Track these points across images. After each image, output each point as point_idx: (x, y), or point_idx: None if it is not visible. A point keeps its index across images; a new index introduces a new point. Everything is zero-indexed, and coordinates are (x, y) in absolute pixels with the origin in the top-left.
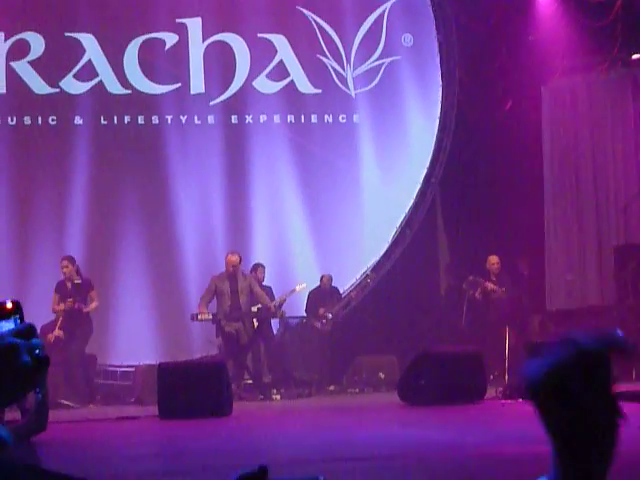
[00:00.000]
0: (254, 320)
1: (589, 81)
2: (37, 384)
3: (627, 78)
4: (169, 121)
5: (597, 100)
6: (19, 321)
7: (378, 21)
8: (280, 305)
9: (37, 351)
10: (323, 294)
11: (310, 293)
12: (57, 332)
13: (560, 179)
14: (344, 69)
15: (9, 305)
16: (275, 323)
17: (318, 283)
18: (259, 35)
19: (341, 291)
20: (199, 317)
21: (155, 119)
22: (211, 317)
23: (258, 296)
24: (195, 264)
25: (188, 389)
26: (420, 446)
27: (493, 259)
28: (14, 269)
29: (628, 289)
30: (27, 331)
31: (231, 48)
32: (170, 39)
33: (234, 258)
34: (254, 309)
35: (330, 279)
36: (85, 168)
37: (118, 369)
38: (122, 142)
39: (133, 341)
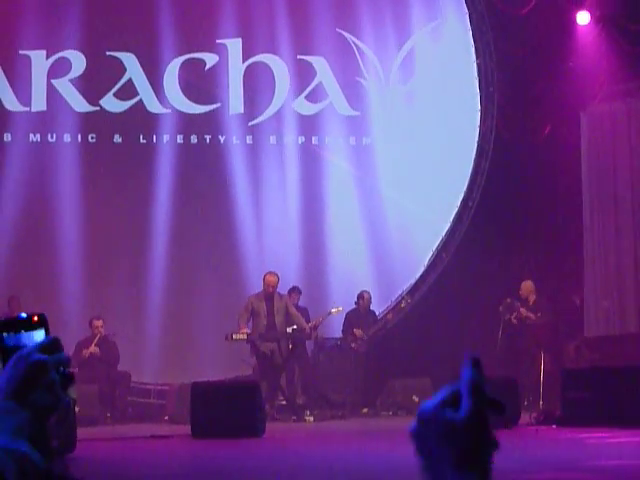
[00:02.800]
0: (289, 341)
1: (629, 107)
2: (64, 401)
3: None
4: (207, 141)
5: (636, 126)
6: (45, 334)
7: (418, 44)
8: (315, 327)
9: (63, 368)
10: (359, 315)
11: (347, 314)
12: (93, 349)
13: (598, 205)
14: (383, 91)
15: (35, 318)
16: (310, 344)
17: (354, 305)
18: (299, 57)
19: (377, 313)
20: (234, 337)
21: (194, 138)
22: (246, 337)
23: (294, 317)
24: (230, 283)
25: (221, 409)
26: None
27: (528, 284)
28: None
29: None
30: (53, 345)
31: (271, 69)
32: (210, 59)
33: (272, 278)
34: (289, 330)
35: (370, 298)
36: (123, 186)
37: (152, 387)
38: (161, 160)
39: (168, 359)
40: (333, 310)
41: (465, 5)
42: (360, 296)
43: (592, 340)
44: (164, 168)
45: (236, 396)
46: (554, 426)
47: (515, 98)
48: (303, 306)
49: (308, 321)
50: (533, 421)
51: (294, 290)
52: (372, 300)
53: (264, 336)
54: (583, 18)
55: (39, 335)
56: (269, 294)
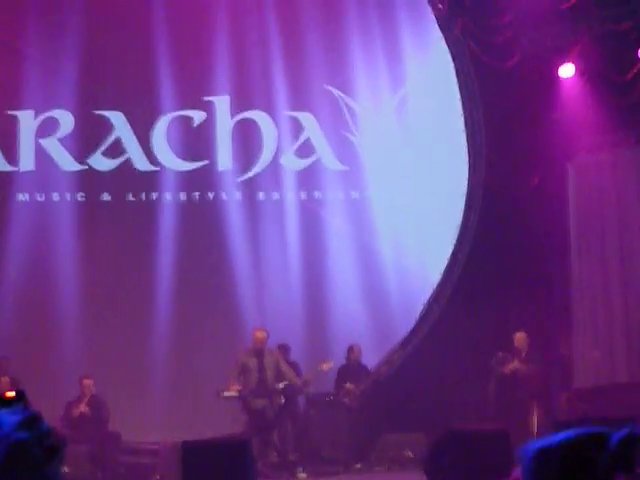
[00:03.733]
0: (280, 397)
1: (615, 157)
2: (55, 472)
3: None
4: (196, 198)
5: (623, 177)
6: (22, 409)
7: (404, 99)
8: (307, 383)
9: (46, 440)
10: (351, 369)
11: (339, 369)
12: (83, 408)
13: (587, 255)
14: (371, 147)
15: (12, 394)
16: (302, 400)
17: (345, 359)
18: (286, 113)
19: (368, 367)
20: (225, 394)
21: (182, 196)
22: (237, 394)
23: (285, 373)
24: (220, 340)
25: (212, 467)
26: None
27: (521, 336)
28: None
29: None
30: (32, 421)
31: (258, 125)
32: (198, 116)
33: (261, 334)
34: (280, 386)
35: (360, 351)
36: (112, 245)
37: (144, 446)
38: (150, 219)
39: (159, 418)
40: (323, 365)
41: (451, 59)
42: (350, 349)
43: (583, 391)
44: (154, 226)
45: (227, 454)
46: None
47: (503, 150)
48: (294, 361)
49: (300, 376)
50: None
51: (282, 347)
52: (363, 353)
53: (255, 392)
54: (567, 70)
55: (17, 411)
56: (258, 350)
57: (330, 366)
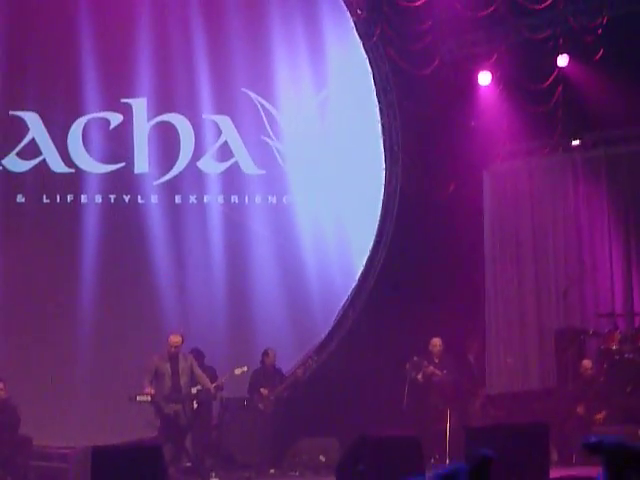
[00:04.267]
0: (194, 402)
1: (530, 166)
2: None
3: (567, 164)
4: (112, 200)
5: (538, 185)
6: None
7: (322, 104)
8: (220, 387)
9: None
10: (265, 374)
11: (253, 373)
12: None
13: (501, 262)
14: (288, 151)
15: None
16: (216, 405)
17: (260, 362)
18: (204, 116)
19: (284, 371)
20: (137, 398)
21: (98, 198)
22: (149, 399)
23: (199, 377)
24: (139, 344)
25: (122, 473)
26: None
27: (436, 341)
28: None
29: (568, 373)
30: None
31: (176, 128)
32: (115, 119)
33: (176, 339)
34: (194, 391)
35: (274, 355)
36: (27, 247)
37: (54, 451)
38: (65, 221)
39: (72, 422)
40: (237, 370)
41: (369, 65)
42: (265, 354)
43: (496, 397)
44: (69, 228)
45: (138, 459)
46: None
47: (419, 157)
48: (210, 366)
49: (214, 381)
50: None
51: (196, 352)
52: (283, 357)
53: (168, 397)
54: (484, 78)
55: None
56: (173, 355)
57: (244, 370)
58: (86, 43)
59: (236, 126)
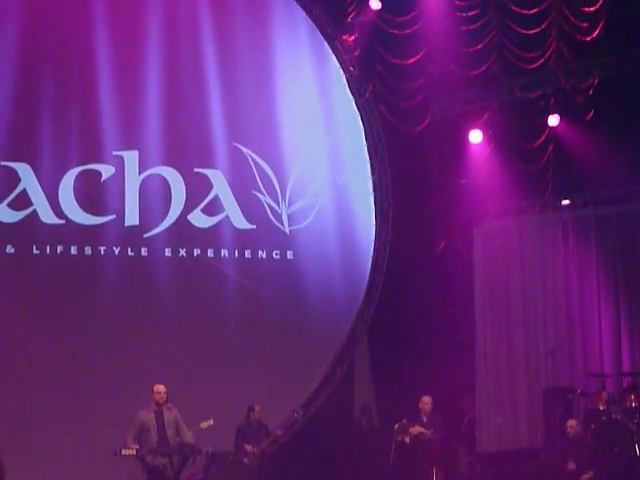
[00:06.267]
0: (179, 456)
1: (520, 224)
2: None
3: (557, 222)
4: (102, 252)
5: (528, 243)
6: None
7: (313, 160)
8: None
9: None
10: (250, 429)
11: (238, 427)
12: None
13: (491, 320)
14: (279, 206)
15: None
16: (202, 458)
17: (245, 417)
18: (195, 170)
19: (269, 426)
20: (122, 452)
21: (88, 250)
22: (134, 452)
23: (183, 431)
24: (118, 397)
25: None
26: None
27: (426, 399)
28: None
29: (555, 433)
30: None
31: (167, 182)
32: (106, 171)
33: (161, 389)
34: (179, 444)
35: (260, 411)
36: (16, 297)
37: None
38: (55, 272)
39: (57, 475)
40: (202, 424)
41: (361, 122)
42: (250, 409)
43: (484, 456)
44: (58, 279)
45: None
46: None
47: (409, 214)
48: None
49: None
50: None
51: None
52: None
53: (155, 450)
54: (475, 137)
55: None
56: (158, 407)
57: (210, 424)
58: (77, 97)
59: (227, 180)
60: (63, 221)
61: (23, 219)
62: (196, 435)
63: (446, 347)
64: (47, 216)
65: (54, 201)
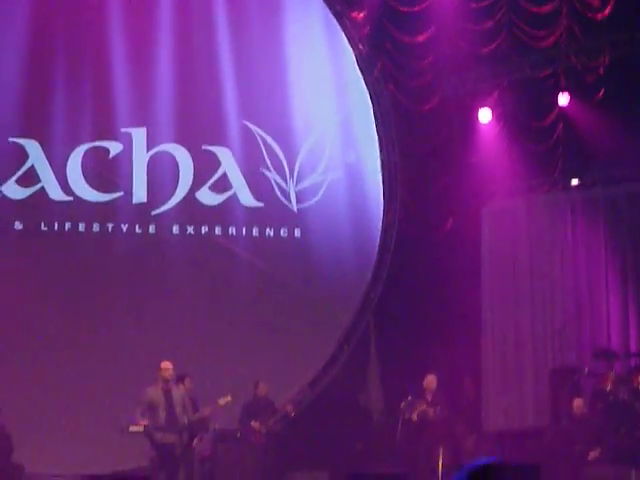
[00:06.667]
0: (187, 432)
1: (529, 203)
2: None
3: (566, 202)
4: (110, 229)
5: (536, 222)
6: None
7: (322, 137)
8: (206, 418)
9: None
10: (257, 406)
11: (244, 404)
12: None
13: (498, 299)
14: (287, 183)
15: None
16: (209, 435)
17: (251, 395)
18: (203, 147)
19: (275, 403)
20: (130, 429)
21: (96, 227)
22: (142, 429)
23: (190, 407)
24: (126, 374)
25: None
26: None
27: (430, 378)
28: None
29: (562, 412)
30: None
31: (175, 159)
32: (114, 148)
33: (168, 365)
34: (186, 421)
35: (266, 388)
36: (24, 274)
37: (46, 479)
38: (63, 249)
39: (63, 450)
40: (220, 400)
41: (370, 99)
42: (256, 386)
43: (491, 434)
44: (65, 256)
45: None
46: None
47: (418, 193)
48: (191, 396)
49: (198, 411)
50: None
51: (185, 376)
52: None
53: (163, 428)
54: (485, 115)
55: None
56: (166, 384)
57: (228, 400)
58: (87, 73)
59: (235, 157)
60: (71, 198)
61: (31, 195)
62: (214, 411)
63: (453, 326)
64: (55, 193)
65: (62, 178)
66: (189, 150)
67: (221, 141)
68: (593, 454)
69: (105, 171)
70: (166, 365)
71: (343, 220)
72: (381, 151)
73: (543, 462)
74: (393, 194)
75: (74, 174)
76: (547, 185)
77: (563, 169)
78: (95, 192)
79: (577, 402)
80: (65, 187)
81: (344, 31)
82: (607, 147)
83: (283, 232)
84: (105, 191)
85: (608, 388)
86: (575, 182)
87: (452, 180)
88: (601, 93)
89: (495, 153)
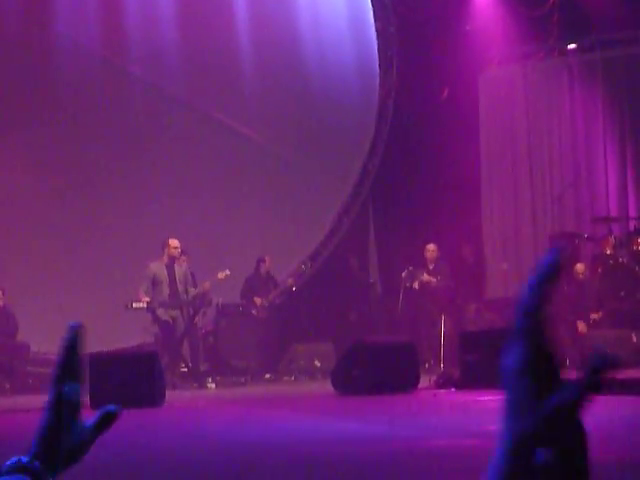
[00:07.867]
0: (190, 308)
1: (525, 70)
2: None
3: (563, 67)
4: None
5: (533, 89)
6: None
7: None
8: (206, 293)
9: None
10: (259, 280)
11: (247, 279)
12: None
13: (497, 166)
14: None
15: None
16: (211, 310)
17: (254, 269)
18: None
19: (277, 278)
20: (133, 305)
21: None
22: (145, 305)
23: (192, 282)
24: (130, 249)
25: (119, 379)
26: (349, 439)
27: (431, 247)
28: None
29: (563, 277)
30: None
31: None
32: None
33: (176, 245)
34: (189, 296)
35: (271, 262)
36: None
37: (53, 357)
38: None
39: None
40: (220, 274)
41: None
42: (261, 260)
43: (492, 302)
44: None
45: (134, 366)
46: (453, 389)
47: (414, 62)
48: (190, 272)
49: (195, 286)
50: (432, 385)
51: (184, 253)
52: (269, 264)
53: (166, 304)
54: None
55: None
56: (170, 260)
57: (227, 274)
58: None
59: None
60: None
61: None
62: (213, 285)
63: (452, 196)
64: None
65: None
66: None
67: None
68: (595, 315)
69: None
70: (174, 243)
71: (339, 91)
72: (376, 20)
73: None
74: (389, 63)
75: None
76: (543, 50)
77: (559, 34)
78: None
79: (578, 267)
80: None
81: None
82: (604, 9)
83: None
84: None
85: (608, 252)
86: (572, 46)
87: (448, 48)
88: None
89: (490, 20)
